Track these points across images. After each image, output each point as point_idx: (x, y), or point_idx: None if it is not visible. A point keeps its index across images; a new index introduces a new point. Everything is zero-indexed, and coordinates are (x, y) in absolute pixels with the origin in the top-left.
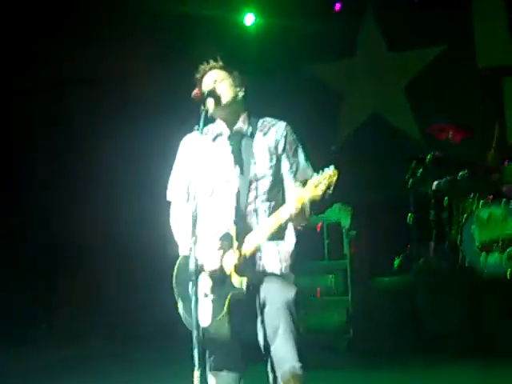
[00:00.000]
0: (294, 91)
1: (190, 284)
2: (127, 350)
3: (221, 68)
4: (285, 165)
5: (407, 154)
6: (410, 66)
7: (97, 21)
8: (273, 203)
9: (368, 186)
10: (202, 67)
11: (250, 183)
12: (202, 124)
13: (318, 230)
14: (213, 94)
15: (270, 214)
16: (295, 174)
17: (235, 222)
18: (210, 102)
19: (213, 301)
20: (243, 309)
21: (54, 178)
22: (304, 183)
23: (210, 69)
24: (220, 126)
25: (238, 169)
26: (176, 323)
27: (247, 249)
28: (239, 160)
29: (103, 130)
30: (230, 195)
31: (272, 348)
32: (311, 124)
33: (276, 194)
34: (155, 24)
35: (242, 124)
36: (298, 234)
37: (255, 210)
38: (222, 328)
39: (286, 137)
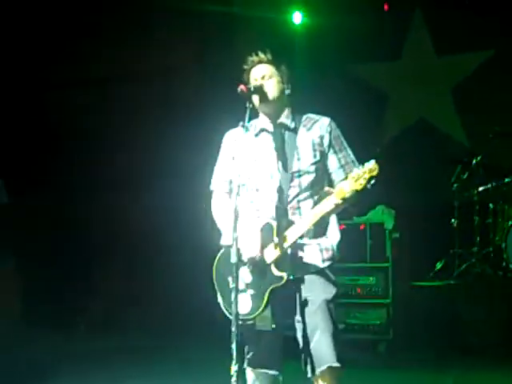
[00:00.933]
0: (340, 91)
1: (231, 277)
2: (166, 342)
3: (269, 62)
4: (332, 160)
5: (453, 158)
6: (457, 70)
7: (139, 18)
8: (316, 199)
9: (412, 189)
10: (250, 59)
11: (293, 179)
12: (247, 120)
13: (361, 229)
14: (260, 90)
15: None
16: (344, 168)
17: (277, 217)
18: (256, 98)
19: (252, 294)
20: (283, 303)
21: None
22: (345, 177)
23: (259, 62)
24: (263, 121)
25: (280, 164)
26: (216, 314)
27: (288, 242)
28: (282, 155)
29: (147, 125)
30: (272, 191)
31: (311, 345)
32: (356, 125)
33: (319, 191)
34: (199, 23)
35: (285, 119)
36: (342, 234)
37: (297, 206)
38: (265, 321)
39: (330, 132)
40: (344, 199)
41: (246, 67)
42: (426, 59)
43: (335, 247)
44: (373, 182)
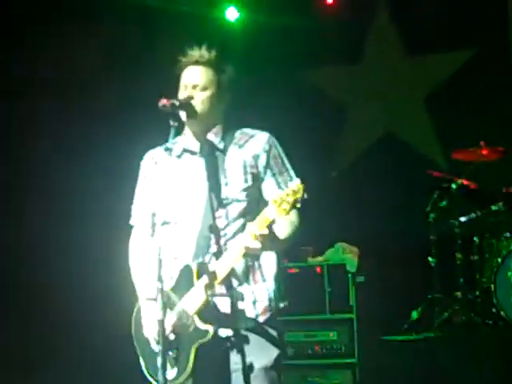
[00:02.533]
0: (287, 102)
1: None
2: None
3: (210, 64)
4: (270, 185)
5: (428, 183)
6: (432, 73)
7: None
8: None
9: (379, 222)
10: (183, 60)
11: (219, 208)
12: (170, 142)
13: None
14: (187, 105)
15: None
16: None
17: (196, 256)
18: (182, 114)
19: (176, 355)
20: (213, 370)
21: None
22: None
23: (196, 62)
24: (188, 139)
25: (204, 191)
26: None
27: (210, 287)
28: (207, 180)
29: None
30: (193, 224)
31: None
32: (307, 143)
33: (251, 221)
34: (115, 19)
35: (213, 136)
36: (292, 279)
37: (224, 241)
38: None
39: (268, 150)
40: (268, 230)
41: (177, 70)
42: (393, 61)
43: (273, 295)
44: (298, 205)
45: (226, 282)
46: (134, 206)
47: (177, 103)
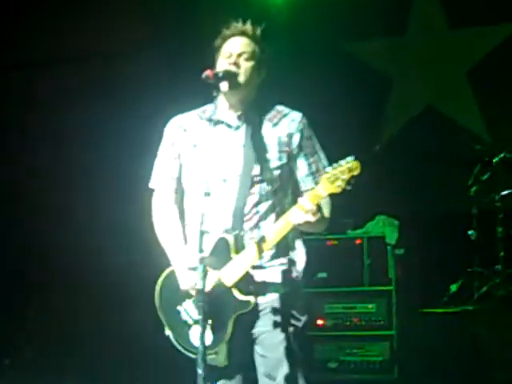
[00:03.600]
0: (330, 74)
1: (182, 306)
2: None
3: (251, 36)
4: (301, 165)
5: (470, 156)
6: (474, 46)
7: None
8: (278, 210)
9: (420, 195)
10: (227, 32)
11: (252, 185)
12: (202, 111)
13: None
14: (230, 76)
15: (275, 221)
16: (315, 175)
17: (233, 230)
18: (224, 85)
19: (212, 325)
20: (240, 336)
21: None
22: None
23: (240, 33)
24: (222, 110)
25: (238, 166)
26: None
27: (249, 262)
28: (241, 155)
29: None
30: (226, 197)
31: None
32: (350, 116)
33: (282, 199)
34: None
35: (249, 111)
36: (332, 251)
37: (257, 218)
38: (218, 355)
39: (302, 130)
40: (317, 207)
41: (217, 40)
42: (436, 34)
43: (300, 268)
44: (353, 182)
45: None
46: (156, 170)
47: (220, 74)
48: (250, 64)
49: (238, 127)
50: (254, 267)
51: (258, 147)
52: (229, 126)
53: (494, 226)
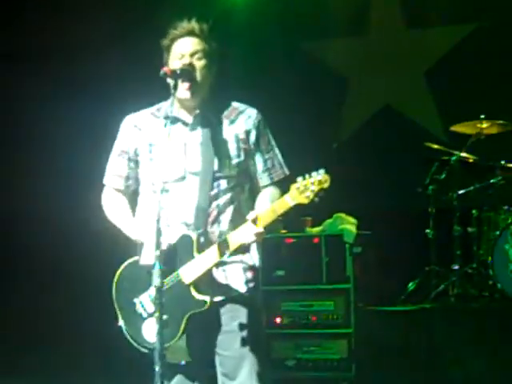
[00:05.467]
0: (288, 74)
1: (138, 299)
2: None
3: (199, 35)
4: (258, 161)
5: (427, 155)
6: (432, 46)
7: None
8: (236, 205)
9: (378, 193)
10: (174, 31)
11: (212, 181)
12: (169, 111)
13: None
14: (188, 73)
15: (233, 217)
16: (270, 172)
17: (195, 226)
18: (181, 86)
19: (166, 320)
20: (202, 334)
21: None
22: (278, 184)
23: (189, 33)
24: (177, 108)
25: (197, 163)
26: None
27: (209, 262)
28: (199, 152)
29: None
30: (186, 194)
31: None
32: (309, 115)
33: (239, 194)
34: None
35: (205, 109)
36: (289, 248)
37: (216, 213)
38: (177, 353)
39: (258, 127)
40: (284, 214)
41: (166, 41)
42: (394, 34)
43: (257, 266)
44: (321, 195)
45: None
46: (108, 167)
47: (178, 71)
48: (203, 62)
49: (194, 125)
50: (215, 265)
51: (215, 144)
52: (185, 124)
53: (450, 224)
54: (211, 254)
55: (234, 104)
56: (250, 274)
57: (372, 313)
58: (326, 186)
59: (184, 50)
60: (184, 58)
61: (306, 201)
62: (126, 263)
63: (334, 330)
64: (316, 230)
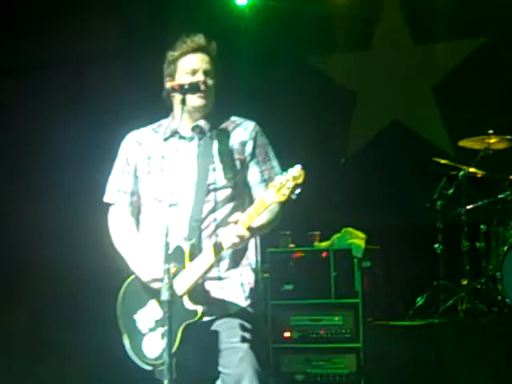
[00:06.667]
0: (296, 89)
1: (138, 315)
2: None
3: (210, 54)
4: (253, 172)
5: (435, 170)
6: (440, 61)
7: None
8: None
9: (386, 208)
10: (184, 45)
11: (208, 193)
12: (157, 124)
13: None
14: (195, 89)
15: None
16: (267, 183)
17: (189, 238)
18: (188, 98)
19: (163, 334)
20: (201, 351)
21: None
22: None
23: (196, 49)
24: (176, 122)
25: (193, 176)
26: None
27: (200, 270)
28: (197, 165)
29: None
30: (182, 207)
31: None
32: (316, 130)
33: (239, 206)
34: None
35: (203, 122)
36: (298, 263)
37: (214, 225)
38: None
39: (254, 139)
40: (243, 234)
41: (172, 55)
42: (401, 49)
43: (258, 278)
44: (298, 191)
45: (216, 266)
46: (111, 184)
47: (186, 86)
48: (213, 82)
49: (191, 138)
50: (210, 279)
51: (211, 156)
52: (183, 137)
53: (459, 239)
54: (200, 261)
55: (233, 118)
56: (247, 288)
57: (380, 327)
58: (300, 181)
59: (196, 66)
60: (197, 75)
61: (283, 198)
62: (128, 280)
63: (343, 345)
64: (324, 244)
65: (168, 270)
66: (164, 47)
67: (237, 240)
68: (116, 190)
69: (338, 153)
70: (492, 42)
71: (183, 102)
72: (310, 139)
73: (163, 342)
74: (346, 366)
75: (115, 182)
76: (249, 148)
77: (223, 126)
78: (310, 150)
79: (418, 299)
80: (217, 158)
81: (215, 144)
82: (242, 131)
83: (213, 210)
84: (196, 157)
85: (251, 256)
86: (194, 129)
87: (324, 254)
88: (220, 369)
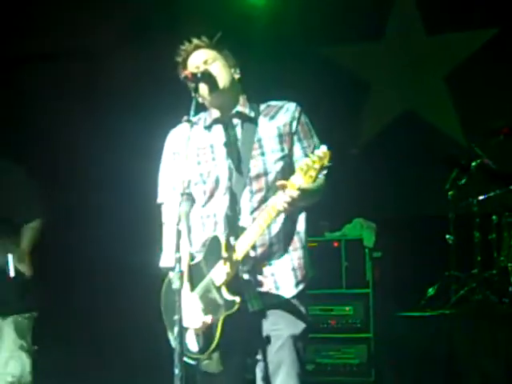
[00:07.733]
0: (309, 78)
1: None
2: None
3: (209, 46)
4: (296, 149)
5: (448, 160)
6: (452, 52)
7: None
8: None
9: (398, 198)
10: (183, 48)
11: (255, 180)
12: (192, 112)
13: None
14: (208, 76)
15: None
16: None
17: (230, 228)
18: (204, 88)
19: (202, 330)
20: (240, 339)
21: None
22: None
23: (196, 48)
24: (214, 113)
25: (238, 162)
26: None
27: (238, 255)
28: (240, 151)
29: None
30: (228, 195)
31: None
32: (328, 120)
33: None
34: None
35: (241, 107)
36: (312, 253)
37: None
38: (212, 361)
39: (298, 118)
40: (294, 196)
41: (179, 59)
42: (413, 40)
43: (308, 264)
44: (325, 172)
45: (261, 258)
46: (163, 184)
47: (199, 74)
48: (217, 64)
49: (233, 124)
50: (260, 265)
51: (258, 141)
52: (224, 123)
53: (470, 230)
54: (252, 230)
55: (272, 102)
56: (299, 274)
57: (391, 318)
58: (325, 161)
59: (196, 61)
60: (199, 68)
61: (309, 180)
62: (169, 277)
63: (354, 335)
64: (336, 234)
65: (179, 259)
66: (180, 37)
67: (288, 199)
68: (165, 189)
69: (350, 143)
70: (503, 33)
71: (196, 90)
72: (322, 129)
73: (202, 335)
74: (357, 356)
75: (165, 180)
76: (293, 127)
77: (265, 111)
78: (321, 140)
79: (430, 290)
80: (264, 142)
81: (261, 128)
82: (285, 112)
83: (265, 199)
84: (241, 143)
85: (302, 240)
86: (233, 116)
87: (335, 244)
88: (258, 357)
